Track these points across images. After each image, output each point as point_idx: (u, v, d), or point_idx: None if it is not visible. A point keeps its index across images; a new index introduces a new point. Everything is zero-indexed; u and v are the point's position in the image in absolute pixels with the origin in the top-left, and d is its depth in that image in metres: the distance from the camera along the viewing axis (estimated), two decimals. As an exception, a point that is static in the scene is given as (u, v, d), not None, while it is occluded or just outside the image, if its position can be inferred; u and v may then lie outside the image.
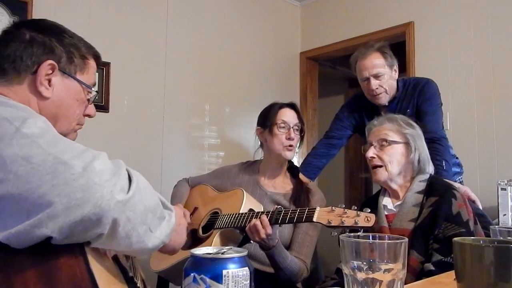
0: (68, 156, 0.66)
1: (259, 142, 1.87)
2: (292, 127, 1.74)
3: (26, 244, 0.64)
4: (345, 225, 1.24)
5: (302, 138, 1.81)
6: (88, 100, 0.98)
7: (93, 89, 0.98)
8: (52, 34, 0.91)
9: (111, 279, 0.73)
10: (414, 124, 1.57)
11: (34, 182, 0.63)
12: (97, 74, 2.51)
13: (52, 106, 0.90)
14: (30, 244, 0.64)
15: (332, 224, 1.26)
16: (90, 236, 0.67)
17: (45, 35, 0.90)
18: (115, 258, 0.80)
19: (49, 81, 0.89)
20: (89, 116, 1.02)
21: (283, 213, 1.40)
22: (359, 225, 1.22)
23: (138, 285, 0.84)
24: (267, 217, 1.41)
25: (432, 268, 1.28)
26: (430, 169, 1.53)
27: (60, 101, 0.91)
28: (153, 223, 0.74)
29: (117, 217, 0.66)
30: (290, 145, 1.73)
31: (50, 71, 0.88)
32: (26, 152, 0.65)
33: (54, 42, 0.91)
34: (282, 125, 1.74)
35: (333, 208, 1.29)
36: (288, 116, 1.76)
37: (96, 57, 1.01)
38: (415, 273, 1.32)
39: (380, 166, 1.49)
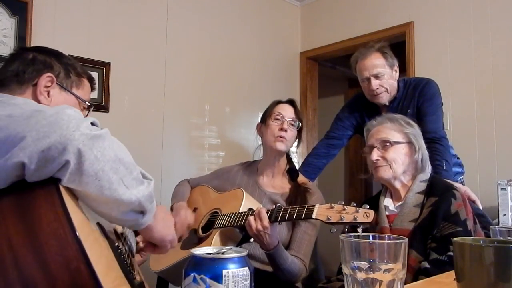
0: (44, 108, 0.76)
1: (260, 140, 1.88)
2: (287, 121, 1.74)
3: (4, 181, 0.71)
4: (344, 221, 1.24)
5: (299, 134, 1.79)
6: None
7: (87, 102, 1.08)
8: (52, 55, 1.04)
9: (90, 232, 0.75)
10: (413, 123, 1.56)
11: (13, 128, 0.71)
12: (97, 83, 2.52)
13: None
14: (7, 181, 0.71)
15: (331, 221, 1.26)
16: (58, 165, 0.70)
17: (46, 55, 1.03)
18: (100, 226, 0.82)
19: (48, 93, 0.99)
20: None
21: (283, 211, 1.40)
22: (358, 221, 1.22)
23: (121, 248, 0.87)
24: (267, 215, 1.41)
25: (428, 266, 1.29)
26: (429, 167, 1.53)
27: None
28: (127, 180, 0.76)
29: (82, 149, 0.71)
30: (282, 136, 1.72)
31: (49, 84, 0.99)
32: (10, 111, 0.74)
33: (54, 60, 1.03)
34: (277, 117, 1.75)
35: (332, 205, 1.29)
36: (284, 110, 1.76)
37: (91, 79, 1.12)
38: (414, 272, 1.32)
39: (384, 165, 1.48)
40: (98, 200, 0.75)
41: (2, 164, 0.70)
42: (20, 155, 0.69)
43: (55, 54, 1.05)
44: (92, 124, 0.77)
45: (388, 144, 1.48)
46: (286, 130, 1.72)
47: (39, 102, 0.96)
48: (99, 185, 0.73)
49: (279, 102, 1.81)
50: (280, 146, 1.73)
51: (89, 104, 1.09)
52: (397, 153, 1.47)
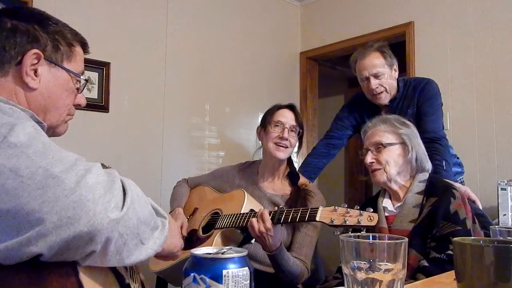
0: (59, 169, 0.63)
1: (260, 143, 1.87)
2: (288, 128, 1.71)
3: (15, 261, 0.62)
4: (347, 224, 1.24)
5: (300, 140, 1.78)
6: (78, 89, 0.94)
7: (82, 77, 0.94)
8: (35, 22, 0.86)
9: None
10: (408, 122, 1.57)
11: (24, 197, 0.60)
12: (98, 72, 2.52)
13: (41, 98, 0.86)
14: (19, 261, 0.62)
15: (335, 223, 1.26)
16: (81, 254, 0.64)
17: (28, 23, 0.85)
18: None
19: (35, 71, 0.84)
20: (79, 105, 0.97)
21: (286, 212, 1.39)
22: (362, 224, 1.22)
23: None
24: (270, 216, 1.41)
25: (426, 264, 1.30)
26: (428, 165, 1.53)
27: (48, 91, 0.87)
28: (145, 235, 0.71)
29: (110, 236, 0.64)
30: (282, 145, 1.70)
31: (36, 61, 0.84)
32: (14, 164, 0.61)
33: (38, 30, 0.85)
34: (278, 124, 1.72)
35: (336, 207, 1.29)
36: (285, 116, 1.74)
37: (83, 43, 0.96)
38: (413, 271, 1.33)
39: (379, 168, 1.49)
40: (117, 265, 0.71)
41: (16, 247, 0.60)
42: (39, 245, 0.60)
43: (39, 20, 0.87)
44: (123, 186, 0.69)
45: (381, 146, 1.50)
46: (287, 139, 1.70)
47: (26, 84, 0.83)
48: (120, 258, 0.67)
49: (279, 108, 1.77)
50: (280, 155, 1.71)
51: (83, 78, 0.94)
52: (390, 154, 1.48)
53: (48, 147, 0.66)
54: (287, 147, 1.71)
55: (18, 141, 0.63)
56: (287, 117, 1.74)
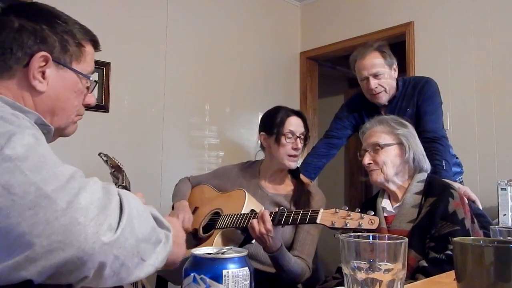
0: (52, 187, 0.60)
1: (260, 145, 1.86)
2: (299, 136, 1.73)
3: (5, 283, 0.60)
4: (348, 227, 1.24)
5: (305, 145, 1.80)
6: (88, 88, 0.92)
7: (91, 77, 0.91)
8: (43, 21, 0.83)
9: None
10: (406, 123, 1.57)
11: (14, 218, 0.57)
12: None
13: (48, 101, 0.84)
14: (9, 283, 0.59)
15: (336, 226, 1.26)
16: (74, 280, 0.61)
17: (35, 22, 0.82)
18: None
19: (43, 73, 0.82)
20: (89, 105, 0.96)
21: (286, 214, 1.39)
22: (362, 227, 1.22)
23: None
24: (270, 218, 1.41)
25: (425, 264, 1.30)
26: (427, 165, 1.54)
27: (56, 94, 0.84)
28: (147, 252, 0.67)
29: (104, 260, 0.60)
30: (295, 155, 1.73)
31: (43, 63, 0.81)
32: (8, 180, 0.58)
33: (46, 31, 0.83)
34: (289, 135, 1.72)
35: (337, 210, 1.28)
36: (295, 125, 1.74)
37: (94, 41, 0.93)
38: (412, 271, 1.33)
39: (377, 169, 1.50)
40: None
41: (6, 271, 0.57)
42: (29, 269, 0.57)
43: (47, 19, 0.84)
44: (121, 203, 0.65)
45: (378, 147, 1.50)
46: (299, 149, 1.73)
47: (33, 87, 0.81)
48: (118, 279, 0.64)
49: (288, 115, 1.76)
50: (293, 165, 1.75)
51: (93, 80, 0.92)
52: (387, 155, 1.49)
53: (45, 161, 0.62)
54: (298, 155, 1.75)
55: (14, 153, 0.60)
56: (297, 125, 1.75)
